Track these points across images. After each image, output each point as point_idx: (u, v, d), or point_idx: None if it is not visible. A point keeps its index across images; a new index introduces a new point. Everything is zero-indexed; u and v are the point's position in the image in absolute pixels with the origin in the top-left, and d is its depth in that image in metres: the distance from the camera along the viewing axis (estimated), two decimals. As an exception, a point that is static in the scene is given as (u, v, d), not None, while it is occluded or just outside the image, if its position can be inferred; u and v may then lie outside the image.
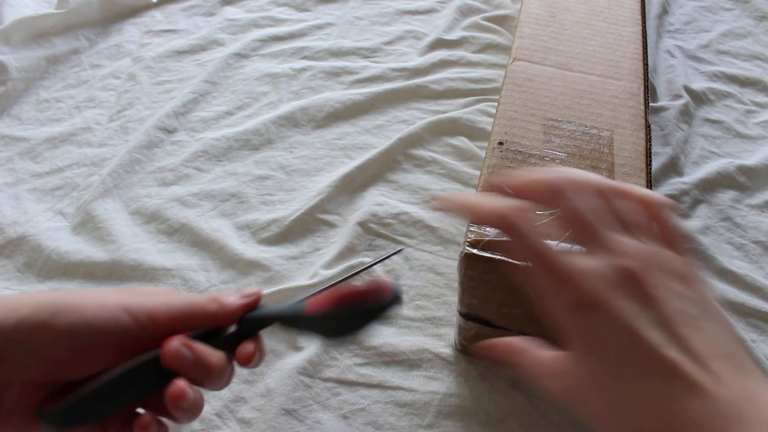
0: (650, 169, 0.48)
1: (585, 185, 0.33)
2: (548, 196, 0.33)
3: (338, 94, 0.73)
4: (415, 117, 0.71)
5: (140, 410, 0.35)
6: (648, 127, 0.52)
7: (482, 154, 0.65)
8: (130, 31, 0.85)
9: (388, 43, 0.82)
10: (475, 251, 0.42)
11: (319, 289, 0.37)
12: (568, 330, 0.31)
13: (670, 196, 0.63)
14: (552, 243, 0.33)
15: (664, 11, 0.87)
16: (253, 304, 0.37)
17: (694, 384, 0.27)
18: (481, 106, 0.72)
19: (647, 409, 0.28)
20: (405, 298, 0.54)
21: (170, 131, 0.70)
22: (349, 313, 0.35)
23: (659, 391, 0.27)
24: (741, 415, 0.26)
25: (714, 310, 0.30)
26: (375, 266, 0.42)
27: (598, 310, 0.29)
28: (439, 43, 0.80)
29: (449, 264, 0.57)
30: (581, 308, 0.30)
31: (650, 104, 0.71)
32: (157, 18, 0.87)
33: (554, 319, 0.31)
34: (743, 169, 0.65)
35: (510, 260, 0.41)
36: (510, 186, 0.35)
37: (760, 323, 0.53)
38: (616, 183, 0.34)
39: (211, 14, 0.88)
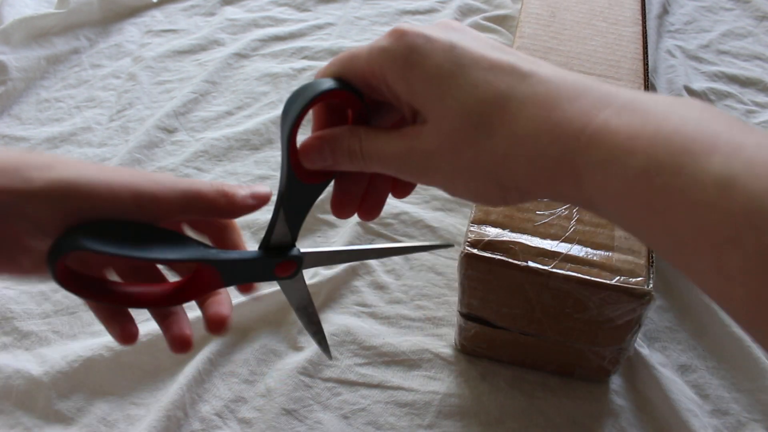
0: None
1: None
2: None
3: (338, 94, 0.73)
4: (416, 117, 0.71)
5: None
6: (648, 127, 0.51)
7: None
8: (131, 31, 0.85)
9: (389, 43, 0.82)
10: (475, 251, 0.42)
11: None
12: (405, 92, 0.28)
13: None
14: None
15: (665, 11, 0.86)
16: (260, 206, 0.35)
17: (525, 73, 0.26)
18: (482, 106, 0.71)
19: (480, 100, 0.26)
20: (405, 298, 0.54)
21: (170, 131, 0.70)
22: None
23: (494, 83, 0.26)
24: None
25: None
26: (420, 251, 0.42)
27: (422, 48, 0.27)
28: (439, 43, 0.80)
29: (449, 264, 0.57)
30: (402, 58, 0.28)
31: (650, 104, 0.71)
32: (157, 18, 0.87)
33: (402, 94, 0.29)
34: (743, 169, 0.65)
35: (510, 260, 0.42)
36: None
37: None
38: None
39: (212, 14, 0.88)
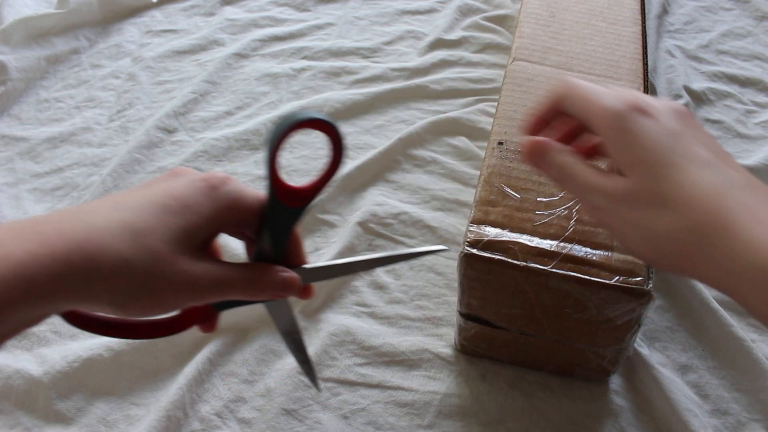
0: (650, 169, 0.48)
1: (577, 82, 0.36)
2: (554, 108, 0.36)
3: (338, 94, 0.73)
4: (415, 117, 0.71)
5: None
6: (648, 127, 0.51)
7: (482, 153, 0.65)
8: (130, 31, 0.85)
9: (388, 43, 0.82)
10: (474, 251, 0.42)
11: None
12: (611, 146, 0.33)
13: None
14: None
15: (665, 11, 0.86)
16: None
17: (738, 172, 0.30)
18: (481, 106, 0.72)
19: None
20: (405, 298, 0.54)
21: (170, 131, 0.70)
22: None
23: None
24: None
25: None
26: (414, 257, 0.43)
27: (643, 117, 0.32)
28: (439, 43, 0.80)
29: (449, 264, 0.57)
30: (624, 118, 0.32)
31: (650, 104, 0.71)
32: (157, 18, 0.87)
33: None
34: (743, 169, 0.65)
35: (509, 260, 0.42)
36: (528, 130, 0.38)
37: (760, 323, 0.53)
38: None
39: (211, 14, 0.88)
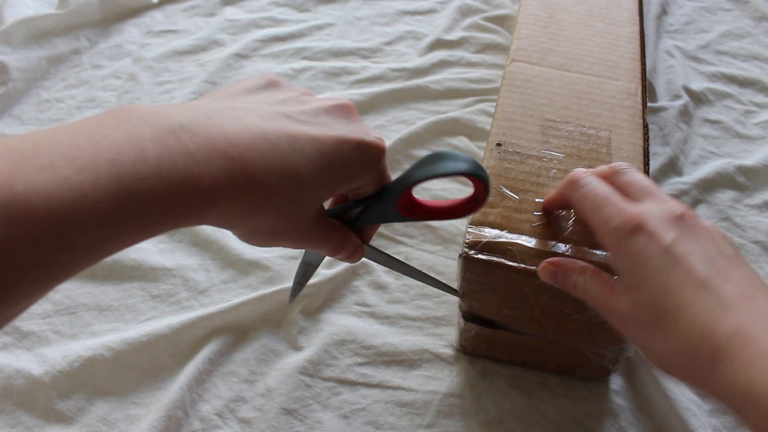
0: (648, 168, 0.48)
1: (587, 174, 0.39)
2: (566, 195, 0.40)
3: (338, 94, 0.73)
4: (415, 117, 0.71)
5: None
6: (646, 127, 0.52)
7: (482, 154, 0.65)
8: (131, 32, 0.85)
9: (388, 43, 0.82)
10: (472, 254, 0.42)
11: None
12: (614, 256, 0.35)
13: (670, 196, 0.63)
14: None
15: (664, 12, 0.87)
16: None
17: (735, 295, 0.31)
18: (481, 106, 0.72)
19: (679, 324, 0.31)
20: (405, 297, 0.55)
21: (171, 132, 0.70)
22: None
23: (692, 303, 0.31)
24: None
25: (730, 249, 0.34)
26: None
27: (641, 235, 0.34)
28: (439, 44, 0.81)
29: (449, 264, 0.57)
30: (623, 236, 0.34)
31: (650, 104, 0.72)
32: (157, 18, 0.87)
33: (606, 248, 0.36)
34: (742, 170, 0.65)
35: (508, 262, 0.42)
36: (543, 206, 0.43)
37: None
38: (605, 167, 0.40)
39: (212, 14, 0.88)
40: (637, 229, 0.34)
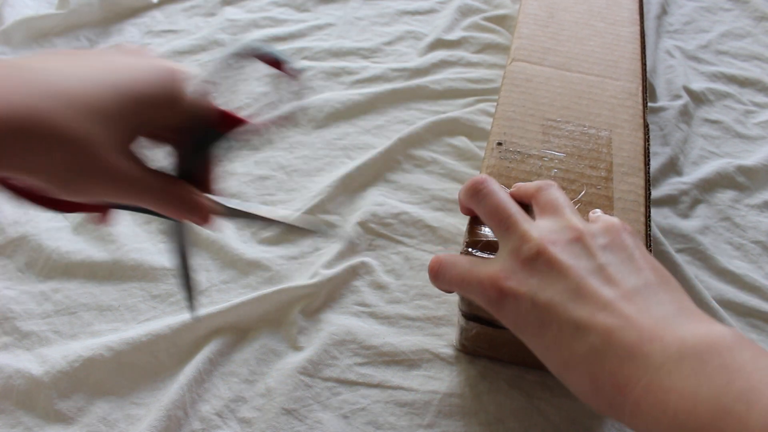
0: (648, 168, 0.48)
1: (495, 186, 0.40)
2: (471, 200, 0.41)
3: (338, 94, 0.73)
4: (415, 117, 0.71)
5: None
6: (646, 126, 0.52)
7: (482, 154, 0.65)
8: (131, 32, 0.85)
9: (388, 43, 0.82)
10: (473, 252, 0.42)
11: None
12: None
13: (670, 196, 0.63)
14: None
15: (664, 12, 0.87)
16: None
17: (605, 331, 0.32)
18: (481, 106, 0.72)
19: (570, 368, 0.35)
20: (405, 297, 0.55)
21: (171, 131, 0.70)
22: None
23: (577, 349, 0.33)
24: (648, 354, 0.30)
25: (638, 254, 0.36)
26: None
27: (507, 300, 0.35)
28: (438, 44, 0.81)
29: (449, 264, 0.57)
30: (495, 304, 0.36)
31: (650, 104, 0.72)
32: (157, 18, 0.87)
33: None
34: (742, 169, 0.65)
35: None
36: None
37: (759, 323, 0.53)
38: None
39: (212, 14, 0.88)
40: (505, 295, 0.35)
